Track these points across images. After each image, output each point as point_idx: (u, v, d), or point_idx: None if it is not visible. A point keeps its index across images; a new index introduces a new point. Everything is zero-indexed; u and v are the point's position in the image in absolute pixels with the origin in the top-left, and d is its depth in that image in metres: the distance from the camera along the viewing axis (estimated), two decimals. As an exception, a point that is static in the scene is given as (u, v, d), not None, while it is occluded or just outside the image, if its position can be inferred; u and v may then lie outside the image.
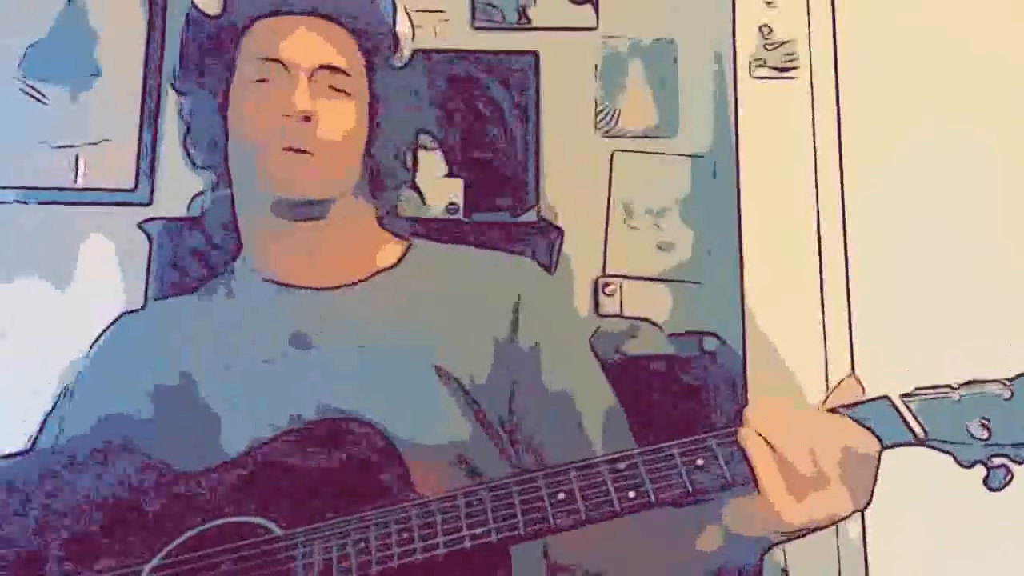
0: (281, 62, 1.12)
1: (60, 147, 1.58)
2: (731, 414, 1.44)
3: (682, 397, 1.44)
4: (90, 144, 1.59)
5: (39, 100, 1.59)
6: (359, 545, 0.90)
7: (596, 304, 1.53)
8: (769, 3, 1.55)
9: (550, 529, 0.90)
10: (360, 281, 1.14)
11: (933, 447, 0.92)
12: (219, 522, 0.95)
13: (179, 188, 1.57)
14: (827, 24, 1.54)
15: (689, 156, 1.57)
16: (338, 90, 1.12)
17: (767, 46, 1.54)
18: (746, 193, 1.50)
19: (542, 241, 1.47)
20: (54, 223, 1.54)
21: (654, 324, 1.51)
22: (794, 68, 1.53)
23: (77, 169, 1.58)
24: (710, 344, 1.49)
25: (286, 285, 1.13)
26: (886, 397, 0.94)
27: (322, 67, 1.11)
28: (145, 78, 1.60)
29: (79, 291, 1.46)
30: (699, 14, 1.59)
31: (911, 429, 0.93)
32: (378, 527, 0.91)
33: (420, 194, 1.31)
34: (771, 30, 1.54)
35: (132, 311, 1.21)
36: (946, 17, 1.52)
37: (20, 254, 1.51)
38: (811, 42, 1.54)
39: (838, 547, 1.39)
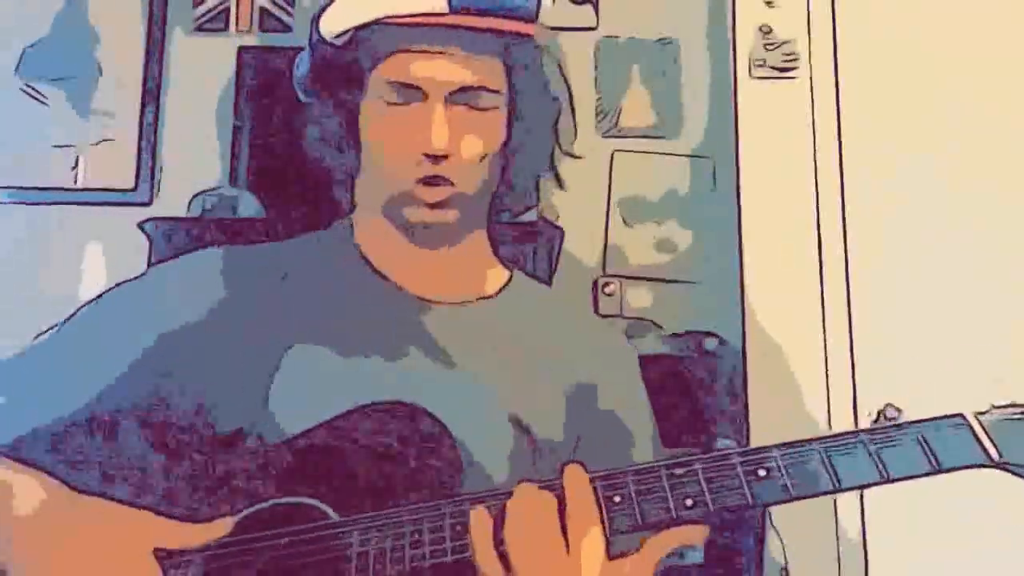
0: (416, 86, 1.03)
1: (60, 147, 1.58)
2: (731, 414, 1.44)
3: (682, 397, 1.44)
4: (90, 144, 1.59)
5: (39, 100, 1.59)
6: (413, 537, 0.90)
7: (596, 304, 1.53)
8: (769, 3, 1.55)
9: (608, 531, 0.89)
10: (462, 303, 1.09)
11: (1006, 469, 0.87)
12: (280, 501, 0.95)
13: (179, 188, 1.57)
14: (827, 24, 1.54)
15: (689, 156, 1.57)
16: (478, 107, 1.05)
17: (767, 46, 1.54)
18: (746, 193, 1.50)
19: (542, 241, 1.47)
20: (54, 223, 1.54)
21: (654, 324, 1.51)
22: (794, 68, 1.53)
23: (77, 169, 1.58)
24: (710, 344, 1.49)
25: (385, 278, 1.09)
26: (960, 415, 0.89)
27: (460, 89, 1.03)
28: (145, 78, 1.60)
29: (79, 291, 1.46)
30: (699, 14, 1.59)
31: (986, 451, 0.87)
32: (432, 520, 0.91)
33: (560, 181, 1.27)
34: (771, 30, 1.54)
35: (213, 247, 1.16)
36: (946, 17, 1.52)
37: (20, 254, 1.51)
38: (811, 42, 1.54)
39: (838, 547, 1.39)
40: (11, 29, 1.60)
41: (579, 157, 1.17)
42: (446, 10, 1.02)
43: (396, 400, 0.99)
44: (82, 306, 1.08)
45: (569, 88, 1.14)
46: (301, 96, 1.15)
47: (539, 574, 0.88)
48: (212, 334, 1.04)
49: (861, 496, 1.39)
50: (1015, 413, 0.89)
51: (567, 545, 0.88)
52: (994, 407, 0.90)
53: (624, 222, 1.55)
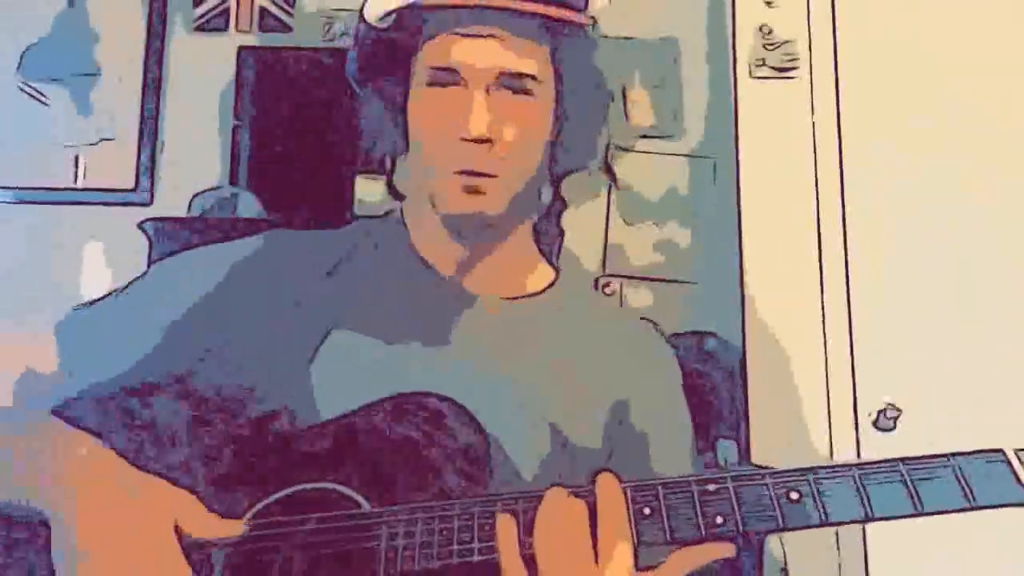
0: (455, 70, 1.01)
1: (60, 147, 1.58)
2: (731, 414, 1.44)
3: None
4: (90, 144, 1.59)
5: (39, 100, 1.59)
6: (442, 535, 0.90)
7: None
8: (769, 3, 1.55)
9: (636, 543, 0.88)
10: (508, 299, 1.08)
11: None
12: (311, 486, 0.95)
13: (179, 188, 1.57)
14: (827, 24, 1.54)
15: (689, 156, 1.57)
16: (522, 91, 1.02)
17: (767, 46, 1.54)
18: (746, 193, 1.50)
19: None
20: (54, 223, 1.54)
21: (654, 324, 1.51)
22: (794, 68, 1.53)
23: (77, 169, 1.58)
24: (710, 344, 1.49)
25: (431, 268, 1.07)
26: (1000, 451, 0.86)
27: (502, 74, 1.00)
28: (145, 78, 1.60)
29: (79, 291, 1.46)
30: (699, 14, 1.59)
31: None
32: (462, 519, 0.91)
33: (614, 177, 1.25)
34: (771, 30, 1.54)
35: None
36: (946, 17, 1.52)
37: (20, 254, 1.51)
38: (811, 42, 1.54)
39: (838, 547, 1.39)
40: (11, 29, 1.60)
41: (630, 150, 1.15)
42: None
43: (428, 391, 0.99)
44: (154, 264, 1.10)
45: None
46: (357, 90, 1.12)
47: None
48: (256, 316, 1.04)
49: (861, 496, 1.39)
50: None
51: (595, 554, 0.87)
52: None
53: (624, 222, 1.55)
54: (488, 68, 1.00)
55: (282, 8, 1.64)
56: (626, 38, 1.60)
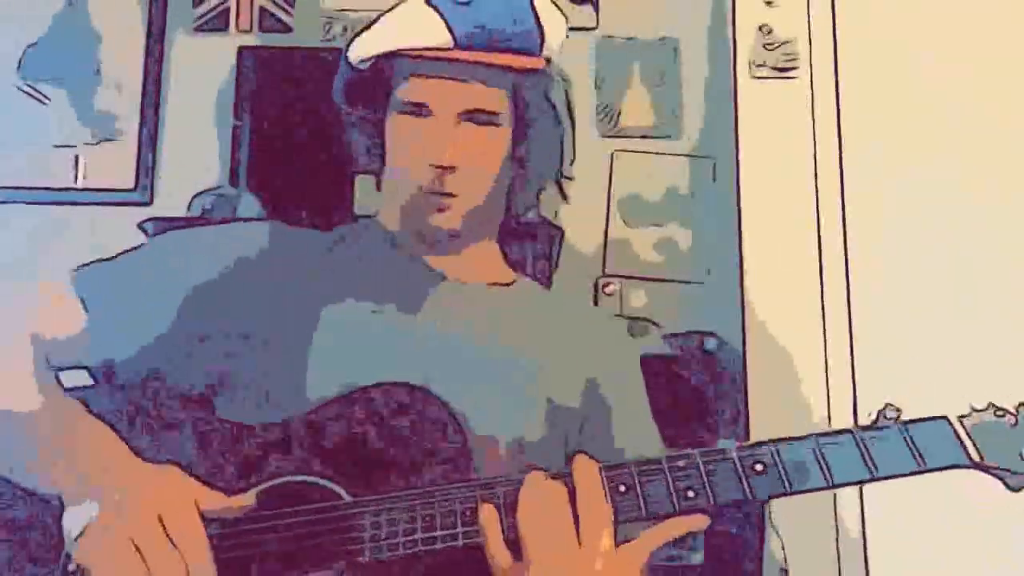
0: (426, 105, 1.16)
1: (60, 147, 1.58)
2: (731, 414, 1.44)
3: (682, 397, 1.44)
4: (90, 144, 1.59)
5: (39, 100, 1.59)
6: (425, 521, 0.93)
7: (596, 304, 1.53)
8: (769, 3, 1.55)
9: (615, 520, 0.92)
10: (481, 283, 1.19)
11: (986, 471, 0.91)
12: (292, 479, 0.97)
13: (179, 188, 1.57)
14: (827, 24, 1.54)
15: (689, 156, 1.57)
16: (484, 124, 1.17)
17: (767, 46, 1.54)
18: (746, 193, 1.50)
19: (542, 241, 1.47)
20: (54, 223, 1.54)
21: (654, 324, 1.51)
22: (794, 68, 1.53)
23: (77, 169, 1.58)
24: (710, 344, 1.49)
25: (415, 257, 1.19)
26: (944, 417, 0.93)
27: (467, 111, 1.15)
28: (145, 78, 1.60)
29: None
30: (699, 14, 1.59)
31: (967, 453, 0.92)
32: (444, 505, 0.94)
33: (563, 193, 1.36)
34: (771, 30, 1.54)
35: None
36: (946, 17, 1.52)
37: (20, 254, 1.51)
38: (811, 42, 1.54)
39: (838, 547, 1.39)
40: (11, 29, 1.60)
41: (571, 179, 1.30)
42: (451, 45, 1.14)
43: (400, 381, 1.04)
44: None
45: (572, 114, 1.26)
46: (340, 104, 1.26)
47: (550, 563, 0.90)
48: (243, 304, 1.11)
49: (861, 496, 1.39)
50: (996, 417, 0.93)
51: (578, 534, 0.91)
52: (975, 410, 0.93)
53: (624, 222, 1.55)
54: (456, 105, 1.15)
55: (282, 8, 1.64)
56: (626, 38, 1.60)
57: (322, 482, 0.98)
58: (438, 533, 0.93)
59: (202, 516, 0.94)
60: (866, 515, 1.40)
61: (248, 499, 0.97)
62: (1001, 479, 0.91)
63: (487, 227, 1.23)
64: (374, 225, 1.23)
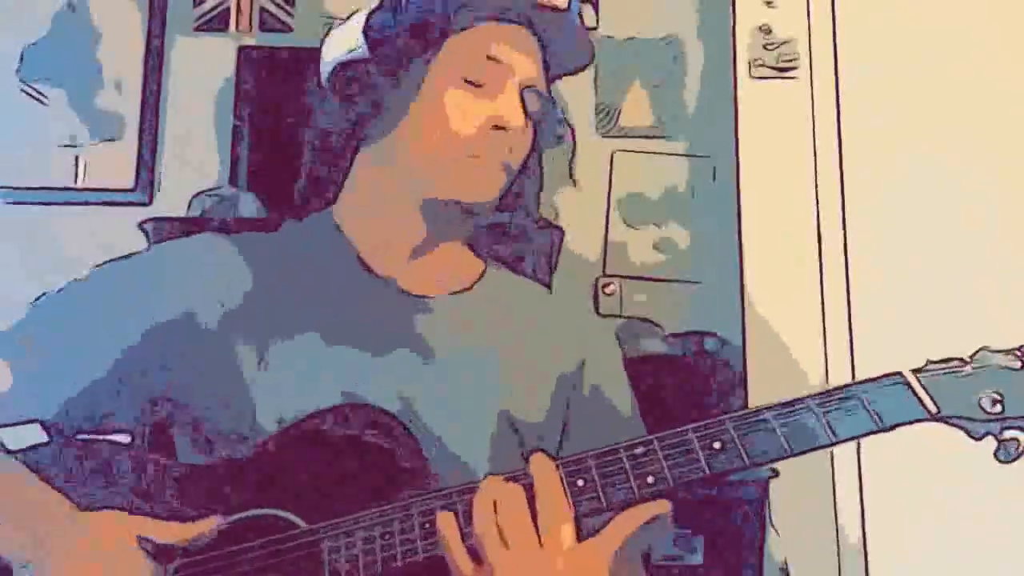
0: (498, 62, 1.06)
1: (60, 147, 1.58)
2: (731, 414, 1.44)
3: (682, 397, 1.44)
4: (90, 144, 1.59)
5: (39, 100, 1.59)
6: (384, 539, 0.92)
7: (596, 304, 1.53)
8: (769, 3, 1.55)
9: (575, 517, 0.91)
10: (440, 295, 1.10)
11: (945, 422, 0.91)
12: (246, 515, 0.95)
13: (179, 188, 1.57)
14: (827, 24, 1.54)
15: (689, 156, 1.57)
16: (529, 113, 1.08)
17: (767, 46, 1.54)
18: (746, 193, 1.50)
19: (542, 241, 1.47)
20: (54, 223, 1.54)
21: (654, 324, 1.51)
22: (794, 68, 1.53)
23: (77, 169, 1.58)
24: (710, 344, 1.49)
25: (367, 268, 1.08)
26: (899, 373, 0.93)
27: (529, 86, 1.07)
28: (145, 78, 1.61)
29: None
30: (699, 14, 1.59)
31: (924, 406, 0.91)
32: (402, 521, 0.92)
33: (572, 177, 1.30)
34: (771, 30, 1.54)
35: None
36: (946, 17, 1.52)
37: (20, 254, 1.51)
38: (811, 42, 1.54)
39: (838, 546, 1.39)
40: (11, 29, 1.60)
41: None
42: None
43: (353, 403, 1.00)
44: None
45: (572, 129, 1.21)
46: (368, 57, 1.12)
47: (512, 565, 0.88)
48: (191, 324, 1.04)
49: (861, 496, 1.39)
50: (950, 368, 0.93)
51: (538, 534, 0.89)
52: (930, 362, 0.93)
53: (624, 222, 1.55)
54: (525, 71, 1.07)
55: (282, 8, 1.64)
56: (626, 38, 1.60)
57: (278, 513, 0.95)
58: (398, 549, 0.91)
59: (157, 550, 0.93)
60: (866, 515, 1.40)
61: (208, 524, 0.94)
62: (963, 429, 0.91)
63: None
64: (325, 230, 1.12)
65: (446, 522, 0.90)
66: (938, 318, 1.44)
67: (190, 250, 1.11)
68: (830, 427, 0.92)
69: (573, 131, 1.24)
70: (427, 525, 0.91)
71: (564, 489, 0.91)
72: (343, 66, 1.12)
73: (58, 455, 1.00)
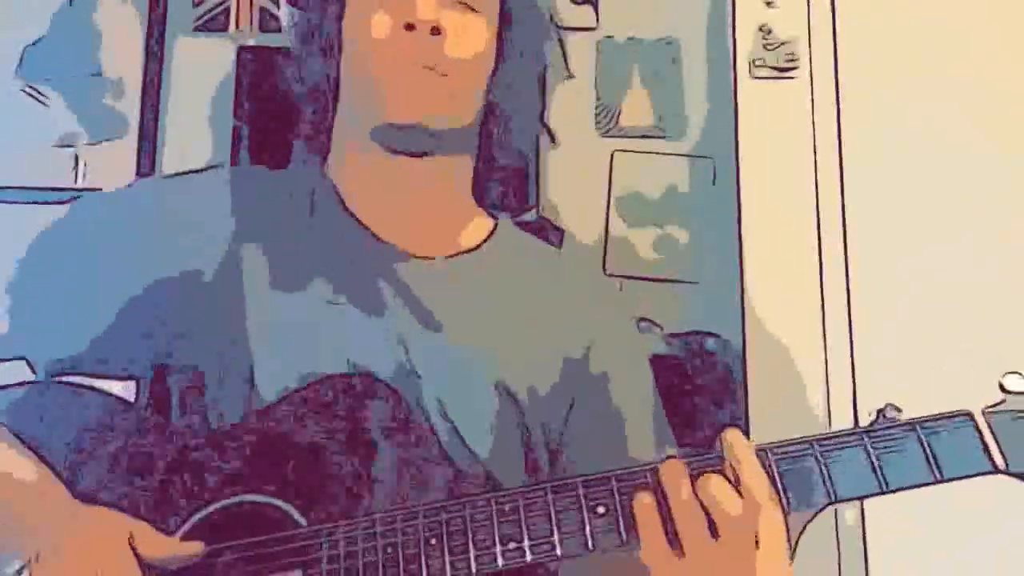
0: None
1: (60, 147, 1.58)
2: (731, 414, 1.44)
3: (682, 397, 1.44)
4: (90, 144, 1.59)
5: (39, 100, 1.59)
6: (387, 551, 0.85)
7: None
8: (769, 3, 1.55)
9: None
10: (443, 257, 1.03)
11: (1012, 476, 0.79)
12: (246, 499, 0.90)
13: (179, 188, 1.57)
14: (827, 24, 1.54)
15: (689, 156, 1.57)
16: (466, 4, 0.98)
17: (767, 46, 1.54)
18: (746, 193, 1.50)
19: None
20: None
21: (654, 324, 1.51)
22: (794, 68, 1.53)
23: (77, 169, 1.58)
24: (710, 344, 1.49)
25: (367, 228, 1.02)
26: (968, 414, 0.81)
27: None
28: (145, 78, 1.60)
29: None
30: (699, 14, 1.59)
31: (991, 459, 0.80)
32: (406, 534, 0.85)
33: (551, 134, 1.20)
34: (771, 30, 1.54)
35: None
36: (946, 17, 1.52)
37: (20, 254, 1.51)
38: (811, 42, 1.54)
39: (838, 545, 1.39)
40: (11, 29, 1.59)
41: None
42: None
43: (350, 373, 0.93)
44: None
45: (563, 40, 1.10)
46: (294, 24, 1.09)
47: (712, 558, 0.82)
48: (170, 276, 0.99)
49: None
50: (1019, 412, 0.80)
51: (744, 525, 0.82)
52: (1007, 390, 0.81)
53: (624, 222, 1.55)
54: None
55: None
56: (627, 38, 1.60)
57: (277, 503, 0.89)
58: (402, 568, 0.83)
59: (145, 563, 0.88)
60: (866, 515, 1.40)
61: (195, 547, 0.89)
62: None
63: (464, 148, 1.05)
64: (323, 185, 1.06)
65: (644, 506, 0.83)
66: (939, 318, 1.43)
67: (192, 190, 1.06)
68: (883, 475, 0.85)
69: (560, 29, 1.12)
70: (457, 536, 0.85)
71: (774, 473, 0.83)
72: (294, 25, 1.08)
73: (44, 395, 0.95)
